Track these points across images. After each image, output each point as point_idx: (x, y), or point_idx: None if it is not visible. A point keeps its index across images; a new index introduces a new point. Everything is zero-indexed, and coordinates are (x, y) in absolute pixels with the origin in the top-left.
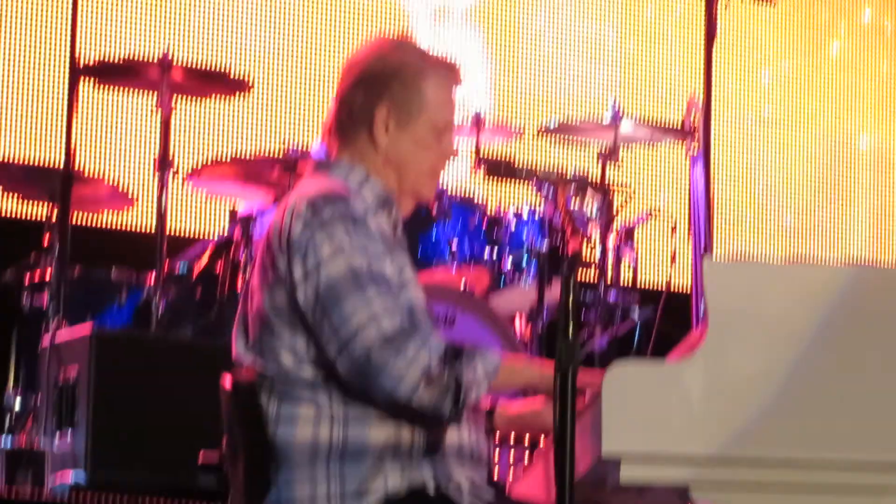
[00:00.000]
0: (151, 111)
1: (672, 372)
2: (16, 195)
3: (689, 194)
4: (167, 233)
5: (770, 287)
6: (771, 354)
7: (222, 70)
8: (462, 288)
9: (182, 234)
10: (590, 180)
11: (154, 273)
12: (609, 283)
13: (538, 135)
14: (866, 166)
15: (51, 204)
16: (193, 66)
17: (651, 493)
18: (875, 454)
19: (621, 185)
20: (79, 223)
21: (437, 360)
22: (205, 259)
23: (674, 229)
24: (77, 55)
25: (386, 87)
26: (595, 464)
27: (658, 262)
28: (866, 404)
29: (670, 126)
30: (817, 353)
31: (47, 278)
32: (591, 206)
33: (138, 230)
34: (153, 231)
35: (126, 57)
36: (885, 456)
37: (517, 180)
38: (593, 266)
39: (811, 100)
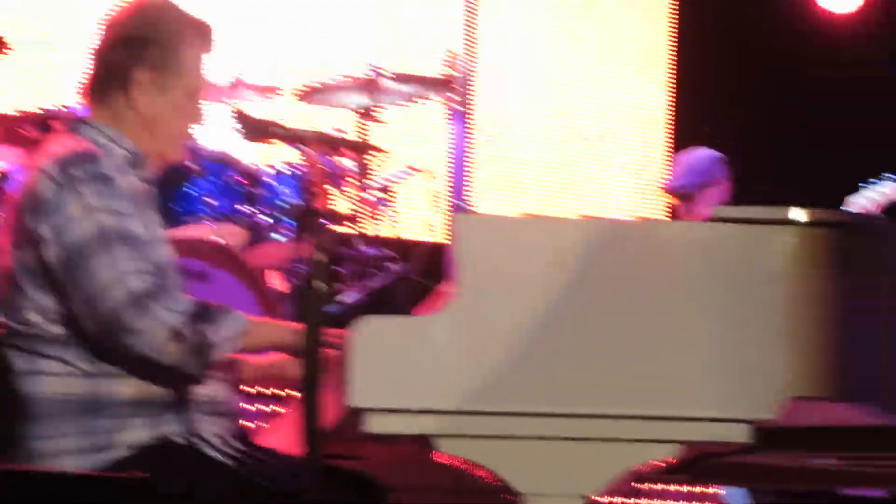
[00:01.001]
0: None
1: (420, 326)
2: None
3: (449, 150)
4: None
5: (520, 241)
6: (520, 309)
7: None
8: (217, 244)
9: None
10: (346, 138)
11: None
12: (366, 237)
13: (296, 94)
14: (627, 122)
15: None
16: None
17: (398, 444)
18: (619, 408)
19: (378, 143)
20: None
21: (184, 319)
22: None
23: (432, 185)
24: None
25: (145, 50)
26: (343, 415)
27: (416, 218)
28: (615, 359)
29: (430, 81)
30: (566, 308)
31: None
32: (347, 162)
33: None
34: None
35: None
36: (631, 409)
37: (274, 139)
38: (349, 221)
39: (573, 58)
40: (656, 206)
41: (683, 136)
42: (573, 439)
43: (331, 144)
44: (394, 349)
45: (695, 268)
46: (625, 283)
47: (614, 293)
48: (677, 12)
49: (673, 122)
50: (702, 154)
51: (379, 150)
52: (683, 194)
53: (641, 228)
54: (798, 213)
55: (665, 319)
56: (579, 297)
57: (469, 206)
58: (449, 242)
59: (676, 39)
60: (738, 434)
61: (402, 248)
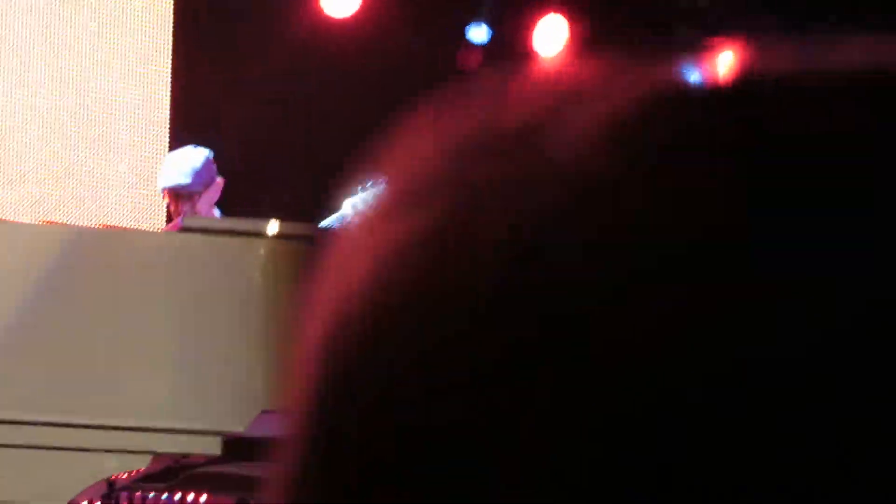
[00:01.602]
0: None
1: None
2: None
3: None
4: None
5: None
6: None
7: None
8: None
9: None
10: None
11: None
12: None
13: None
14: (127, 125)
15: None
16: None
17: None
18: (87, 418)
19: None
20: None
21: None
22: None
23: None
24: None
25: None
26: None
27: None
28: (82, 369)
29: None
30: (35, 316)
31: None
32: None
33: None
34: None
35: None
36: (100, 420)
37: None
38: None
39: (75, 60)
40: (158, 208)
41: (183, 137)
42: (43, 448)
43: None
44: None
45: (169, 281)
46: (96, 293)
47: (85, 303)
48: (180, 13)
49: (172, 124)
50: (199, 152)
51: None
52: (187, 194)
53: (117, 237)
54: (271, 226)
55: (138, 331)
56: (49, 306)
57: None
58: None
59: (175, 40)
60: (210, 445)
61: None
